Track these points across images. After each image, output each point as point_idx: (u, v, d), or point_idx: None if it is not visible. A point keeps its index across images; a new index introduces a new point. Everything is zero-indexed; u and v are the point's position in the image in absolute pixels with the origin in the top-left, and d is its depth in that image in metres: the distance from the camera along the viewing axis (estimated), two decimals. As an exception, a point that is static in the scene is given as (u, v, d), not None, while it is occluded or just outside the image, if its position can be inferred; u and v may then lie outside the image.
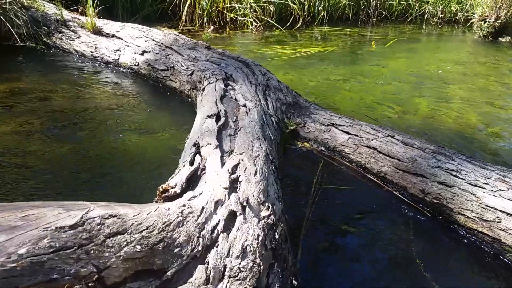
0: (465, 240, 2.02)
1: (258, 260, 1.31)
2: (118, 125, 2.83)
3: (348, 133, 2.63)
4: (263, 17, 6.21)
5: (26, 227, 1.01)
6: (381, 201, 2.31)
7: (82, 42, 4.17)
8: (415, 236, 2.04)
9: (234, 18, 6.09)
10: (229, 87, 2.87)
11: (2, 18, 4.19)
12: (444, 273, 1.83)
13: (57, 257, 0.98)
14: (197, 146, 2.00)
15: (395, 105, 3.63)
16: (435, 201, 2.16)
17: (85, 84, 3.51)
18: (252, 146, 2.03)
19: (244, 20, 6.10)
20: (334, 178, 2.46)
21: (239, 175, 1.68)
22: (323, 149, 2.72)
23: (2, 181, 2.11)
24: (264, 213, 1.52)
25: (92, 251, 1.03)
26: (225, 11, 6.01)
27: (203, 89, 2.92)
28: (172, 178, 1.68)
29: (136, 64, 3.77)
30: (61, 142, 2.54)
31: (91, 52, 4.07)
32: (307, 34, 6.30)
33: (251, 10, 6.14)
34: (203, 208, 1.38)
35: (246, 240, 1.35)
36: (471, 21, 7.74)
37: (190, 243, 1.25)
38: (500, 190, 1.99)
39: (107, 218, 1.11)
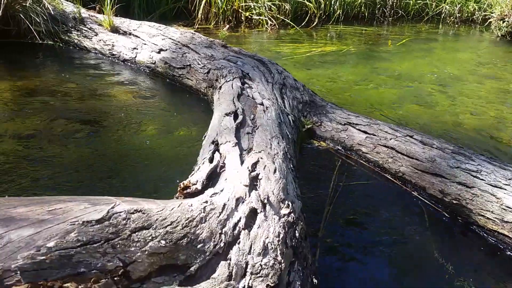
0: (485, 241, 2.00)
1: (279, 258, 1.31)
2: (135, 122, 2.85)
3: (365, 132, 2.61)
4: (278, 15, 6.21)
5: (54, 220, 1.03)
6: (399, 201, 2.30)
7: (100, 40, 4.22)
8: (434, 236, 2.03)
9: (249, 16, 6.09)
10: (246, 85, 2.87)
11: (21, 16, 4.25)
12: (462, 274, 1.81)
13: (85, 250, 1.00)
14: (216, 144, 2.01)
15: (412, 105, 3.60)
16: (454, 201, 2.14)
17: (103, 82, 3.54)
18: (271, 144, 2.03)
19: (259, 18, 6.10)
20: (352, 177, 2.44)
21: (259, 173, 1.69)
22: (340, 148, 2.71)
23: (24, 177, 2.14)
24: (284, 211, 1.52)
25: (118, 246, 1.05)
26: (240, 10, 6.02)
27: (220, 87, 2.93)
28: (192, 175, 1.69)
29: (153, 62, 3.80)
30: (79, 140, 2.57)
31: (109, 50, 4.11)
32: (323, 33, 6.27)
33: (267, 9, 6.13)
34: (224, 205, 1.39)
35: (267, 237, 1.35)
36: (489, 20, 7.63)
37: (213, 239, 1.25)
38: (522, 191, 1.96)
39: (133, 213, 1.13)
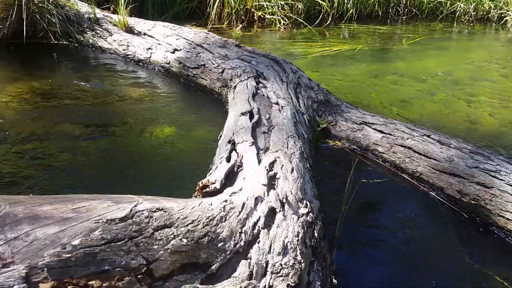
0: (505, 242, 1.97)
1: (299, 257, 1.31)
2: (150, 122, 2.87)
3: (381, 132, 2.59)
4: (291, 15, 6.19)
5: (78, 219, 1.04)
6: (416, 201, 2.28)
7: (115, 40, 4.25)
8: (452, 236, 2.01)
9: (262, 16, 6.09)
10: (261, 84, 2.87)
11: (37, 16, 4.30)
12: (482, 274, 1.79)
13: (109, 248, 1.01)
14: (233, 143, 2.01)
15: (428, 104, 3.57)
16: (472, 202, 2.11)
17: (117, 82, 3.57)
18: (287, 144, 2.03)
19: (272, 18, 6.09)
20: (368, 176, 2.43)
21: (276, 172, 1.69)
22: (355, 147, 2.69)
23: (44, 176, 2.17)
24: (303, 210, 1.52)
25: (141, 244, 1.05)
26: (253, 9, 6.01)
27: (235, 87, 2.93)
28: (210, 174, 1.70)
29: (167, 62, 3.82)
30: (94, 139, 2.60)
31: (123, 50, 4.14)
32: (336, 32, 6.24)
33: (279, 8, 6.12)
34: (244, 204, 1.39)
35: (287, 237, 1.35)
36: (505, 18, 7.51)
37: (233, 238, 1.26)
38: (544, 192, 1.93)
39: (155, 212, 1.13)
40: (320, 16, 6.40)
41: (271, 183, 1.60)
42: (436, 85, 4.11)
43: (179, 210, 1.20)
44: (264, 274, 1.23)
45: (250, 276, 1.19)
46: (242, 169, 1.72)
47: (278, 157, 1.83)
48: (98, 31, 4.44)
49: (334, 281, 1.42)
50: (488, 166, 2.15)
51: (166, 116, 2.98)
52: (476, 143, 2.55)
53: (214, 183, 1.53)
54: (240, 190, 1.49)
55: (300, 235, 1.38)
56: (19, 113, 2.84)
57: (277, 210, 1.44)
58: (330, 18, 6.47)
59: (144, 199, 1.18)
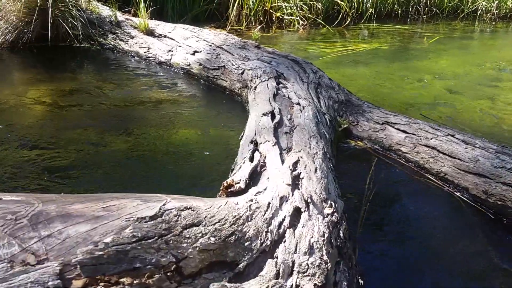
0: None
1: (325, 257, 1.30)
2: (170, 123, 2.90)
3: (404, 131, 2.56)
4: (309, 15, 6.17)
5: (109, 217, 1.06)
6: (440, 201, 2.25)
7: (136, 43, 4.31)
8: (478, 237, 1.97)
9: (280, 17, 6.08)
10: (281, 85, 2.87)
11: (60, 20, 4.39)
12: (509, 275, 1.75)
13: (140, 246, 1.02)
14: (255, 143, 2.02)
15: (450, 103, 3.51)
16: (499, 202, 2.07)
17: (138, 84, 3.62)
18: (309, 144, 2.03)
19: (290, 18, 6.08)
20: (389, 176, 2.41)
21: (300, 172, 1.68)
22: (378, 148, 2.67)
23: (70, 176, 2.21)
24: (328, 210, 1.51)
25: (171, 242, 1.07)
26: (271, 10, 6.02)
27: (255, 88, 2.94)
28: (234, 173, 1.70)
29: (188, 64, 3.85)
30: (115, 140, 2.63)
31: (144, 52, 4.19)
32: (355, 31, 6.20)
33: (298, 9, 6.11)
34: (269, 203, 1.39)
35: (312, 236, 1.35)
36: (528, 16, 7.36)
37: (259, 237, 1.26)
38: None
39: (183, 210, 1.14)
40: (339, 16, 6.37)
41: (295, 183, 1.59)
42: (459, 84, 4.05)
43: (206, 209, 1.21)
44: (291, 274, 1.22)
45: (277, 275, 1.19)
46: (265, 169, 1.72)
47: (301, 157, 1.83)
48: (119, 34, 4.50)
49: (361, 281, 1.41)
50: (515, 166, 2.11)
51: (186, 117, 3.01)
52: (501, 143, 2.50)
53: (239, 182, 1.53)
54: (265, 189, 1.49)
55: (326, 235, 1.37)
56: (42, 115, 2.90)
57: (302, 210, 1.44)
58: (349, 18, 6.43)
59: (172, 198, 1.19)
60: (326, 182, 1.70)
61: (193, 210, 1.17)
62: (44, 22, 4.24)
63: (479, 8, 7.65)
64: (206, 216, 1.18)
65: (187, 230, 1.11)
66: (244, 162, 1.81)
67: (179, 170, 2.36)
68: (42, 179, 2.15)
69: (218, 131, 2.84)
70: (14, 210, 1.02)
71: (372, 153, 2.63)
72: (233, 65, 3.49)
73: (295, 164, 1.74)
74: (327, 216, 1.47)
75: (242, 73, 3.34)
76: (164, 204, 1.13)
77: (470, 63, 4.87)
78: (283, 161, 1.76)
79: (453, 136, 2.43)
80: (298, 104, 2.54)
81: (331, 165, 2.03)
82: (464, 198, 2.23)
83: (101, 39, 4.54)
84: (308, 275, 1.22)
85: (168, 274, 1.04)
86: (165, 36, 4.24)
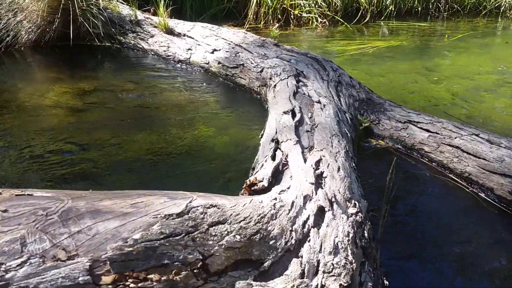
0: None
1: (350, 257, 1.29)
2: (190, 121, 2.91)
3: (428, 130, 2.53)
4: (328, 12, 6.13)
5: (137, 213, 1.07)
6: (463, 202, 2.21)
7: (155, 42, 4.34)
8: (503, 238, 1.93)
9: (298, 14, 6.06)
10: (301, 83, 2.86)
11: (81, 19, 4.45)
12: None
13: (168, 243, 1.03)
14: (276, 142, 2.01)
15: (475, 103, 3.44)
16: (526, 204, 2.03)
17: (158, 82, 3.65)
18: (331, 143, 2.01)
19: (309, 16, 6.05)
20: (411, 176, 2.38)
21: (323, 171, 1.67)
22: (400, 147, 2.63)
23: (95, 173, 2.25)
24: (352, 210, 1.50)
25: (197, 239, 1.07)
26: (289, 8, 5.99)
27: (275, 86, 2.93)
28: (257, 172, 1.70)
29: (207, 62, 3.86)
30: (139, 139, 2.65)
31: (164, 51, 4.22)
32: (374, 29, 6.13)
33: (316, 6, 6.07)
34: (293, 202, 1.39)
35: (337, 236, 1.34)
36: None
37: (284, 236, 1.26)
38: None
39: (209, 208, 1.15)
40: (359, 14, 6.31)
41: (318, 181, 1.58)
42: (482, 83, 3.96)
43: (231, 207, 1.21)
44: (316, 273, 1.22)
45: (302, 275, 1.19)
46: (287, 168, 1.72)
47: (324, 156, 1.81)
48: (139, 33, 4.54)
49: (386, 282, 1.39)
50: (543, 167, 2.06)
51: (205, 116, 3.02)
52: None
53: (262, 181, 1.53)
54: (288, 188, 1.48)
55: (351, 235, 1.36)
56: (63, 114, 2.95)
57: (326, 209, 1.43)
58: (368, 15, 6.37)
59: (197, 196, 1.20)
60: (349, 181, 1.68)
61: (219, 208, 1.17)
62: (65, 21, 4.30)
63: (502, 4, 7.49)
64: (231, 214, 1.18)
65: (213, 227, 1.12)
66: (266, 161, 1.80)
67: (199, 169, 2.37)
68: (66, 177, 2.18)
69: (237, 129, 2.84)
70: (45, 206, 1.03)
71: (393, 152, 2.60)
72: (252, 63, 3.49)
73: (317, 163, 1.73)
74: (351, 216, 1.45)
75: (261, 71, 3.34)
76: (190, 202, 1.14)
77: (493, 61, 4.76)
78: (305, 160, 1.76)
79: (477, 135, 2.38)
80: (319, 102, 2.53)
81: (354, 164, 2.01)
82: (489, 199, 2.19)
83: (121, 38, 4.59)
84: (334, 275, 1.21)
85: (195, 271, 1.04)
86: (184, 35, 4.26)
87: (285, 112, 2.32)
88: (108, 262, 0.96)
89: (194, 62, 3.97)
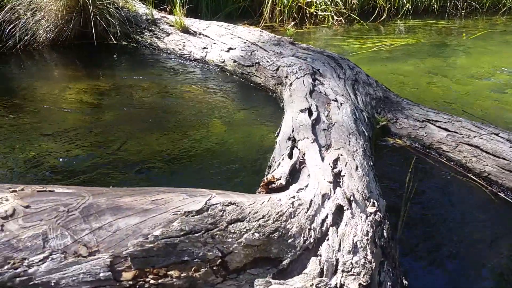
0: None
1: (369, 257, 1.28)
2: (206, 120, 2.92)
3: (446, 129, 2.49)
4: (344, 11, 6.09)
5: (157, 210, 1.07)
6: (481, 202, 2.17)
7: (171, 40, 4.36)
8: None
9: (314, 13, 6.03)
10: (317, 81, 2.84)
11: (98, 18, 4.50)
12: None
13: (187, 240, 1.03)
14: (293, 140, 2.00)
15: (495, 102, 3.38)
16: (548, 205, 1.98)
17: (174, 80, 3.67)
18: (349, 141, 1.99)
19: (325, 14, 6.02)
20: (429, 175, 2.34)
21: (341, 170, 1.66)
22: (418, 146, 2.60)
23: (112, 172, 2.27)
24: (370, 209, 1.48)
25: (217, 236, 1.07)
26: (305, 6, 5.97)
27: (291, 84, 2.92)
28: (274, 170, 1.70)
29: (222, 60, 3.87)
30: (155, 137, 2.67)
31: (180, 49, 4.24)
32: (391, 27, 6.07)
33: (332, 4, 6.03)
34: (311, 200, 1.38)
35: (355, 235, 1.33)
36: None
37: (302, 235, 1.25)
38: None
39: (227, 205, 1.15)
40: (375, 12, 6.25)
41: (336, 180, 1.57)
42: (501, 82, 3.89)
43: (249, 204, 1.21)
44: (335, 272, 1.21)
45: (321, 274, 1.18)
46: (304, 166, 1.71)
47: (341, 154, 1.80)
48: (155, 32, 4.57)
49: (405, 282, 1.38)
50: None
51: (219, 113, 3.02)
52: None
53: (280, 179, 1.53)
54: (306, 186, 1.48)
55: (370, 234, 1.35)
56: (81, 112, 2.98)
57: (345, 208, 1.42)
58: (385, 13, 6.30)
59: (216, 193, 1.20)
60: (367, 180, 1.67)
61: (237, 206, 1.17)
62: (83, 20, 4.35)
63: (522, 2, 7.33)
64: (250, 212, 1.18)
65: (232, 225, 1.12)
66: (283, 159, 1.80)
67: (215, 167, 2.37)
68: (83, 177, 2.21)
69: (252, 127, 2.84)
70: (66, 202, 1.05)
71: (411, 151, 2.57)
72: (267, 61, 3.49)
73: (335, 162, 1.72)
74: (370, 215, 1.44)
75: (277, 69, 3.33)
76: (209, 199, 1.14)
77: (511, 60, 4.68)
78: (323, 158, 1.74)
79: (497, 134, 2.34)
80: (336, 100, 2.51)
81: (371, 163, 1.99)
82: (509, 199, 2.15)
83: (138, 37, 4.62)
84: (353, 274, 1.20)
85: (214, 268, 1.04)
86: (200, 34, 4.27)
87: (301, 111, 2.31)
88: (129, 258, 0.97)
89: (209, 60, 3.98)
